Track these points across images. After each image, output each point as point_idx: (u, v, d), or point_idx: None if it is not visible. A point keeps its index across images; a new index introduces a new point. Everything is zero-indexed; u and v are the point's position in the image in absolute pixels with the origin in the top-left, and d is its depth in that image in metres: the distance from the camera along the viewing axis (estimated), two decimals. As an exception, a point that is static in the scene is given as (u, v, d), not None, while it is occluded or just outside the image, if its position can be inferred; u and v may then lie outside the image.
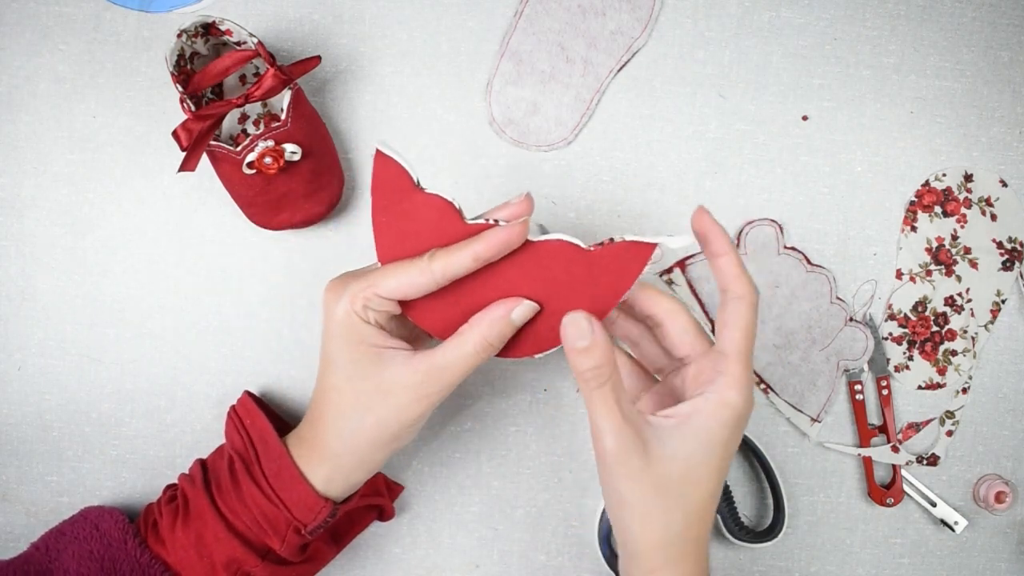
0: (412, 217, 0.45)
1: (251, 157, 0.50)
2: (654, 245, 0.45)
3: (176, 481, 0.53)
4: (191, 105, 0.50)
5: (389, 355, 0.46)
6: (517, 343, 0.48)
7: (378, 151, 0.44)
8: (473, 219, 0.45)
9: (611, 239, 0.45)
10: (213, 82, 0.51)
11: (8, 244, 0.56)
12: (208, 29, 0.51)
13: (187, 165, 0.50)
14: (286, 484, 0.48)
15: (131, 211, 0.57)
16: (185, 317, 0.57)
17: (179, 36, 0.50)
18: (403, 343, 0.47)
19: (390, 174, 0.44)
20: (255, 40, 0.50)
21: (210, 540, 0.48)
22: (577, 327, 0.42)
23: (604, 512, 0.56)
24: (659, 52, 0.58)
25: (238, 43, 0.52)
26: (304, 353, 0.57)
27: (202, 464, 0.52)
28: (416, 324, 0.48)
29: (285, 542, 0.48)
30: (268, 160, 0.51)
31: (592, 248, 0.45)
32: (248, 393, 0.53)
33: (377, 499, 0.54)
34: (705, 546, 0.44)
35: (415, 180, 0.44)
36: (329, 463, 0.47)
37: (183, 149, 0.49)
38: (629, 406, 0.42)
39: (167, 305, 0.57)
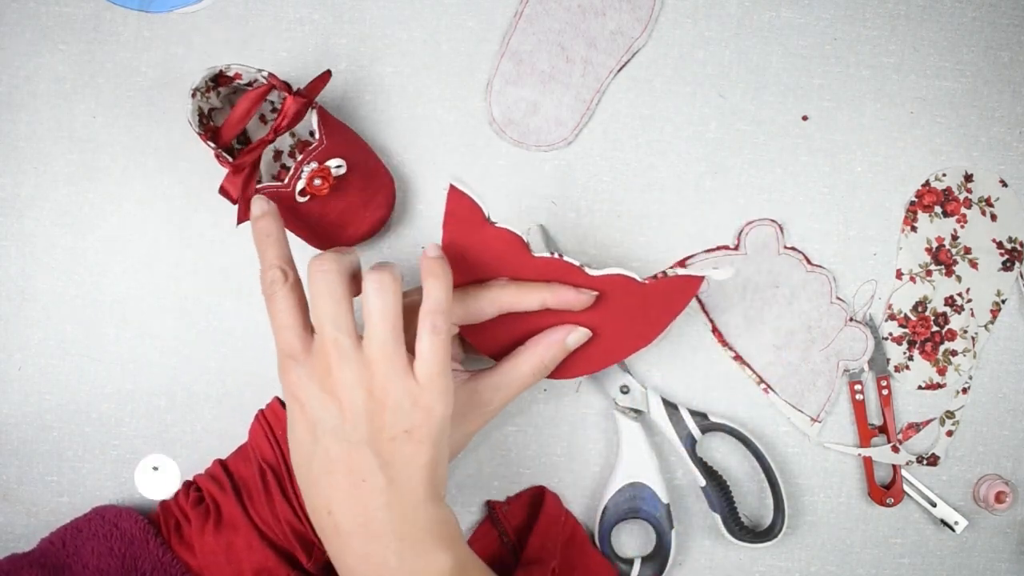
0: (481, 249, 0.47)
1: (301, 184, 0.50)
2: (702, 278, 0.48)
3: (192, 479, 0.52)
4: (228, 157, 0.50)
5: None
6: (566, 365, 0.51)
7: (452, 186, 0.46)
8: (539, 253, 0.47)
9: (664, 272, 0.48)
10: (237, 130, 0.50)
11: (8, 244, 0.56)
12: (217, 81, 0.51)
13: (244, 215, 0.49)
14: None
15: (131, 211, 0.57)
16: (185, 317, 0.57)
17: (193, 96, 0.50)
18: (458, 364, 0.50)
19: (463, 208, 0.46)
20: (265, 74, 0.50)
21: (241, 548, 0.48)
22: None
23: (604, 511, 0.56)
24: (659, 52, 0.58)
25: (249, 84, 0.51)
26: (304, 353, 0.57)
27: (223, 466, 0.52)
28: (472, 344, 0.51)
29: (312, 559, 0.48)
30: (318, 182, 0.50)
31: (647, 281, 0.48)
32: (279, 399, 0.53)
33: None
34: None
35: (486, 214, 0.47)
36: None
37: (234, 201, 0.49)
38: None
39: (167, 305, 0.57)
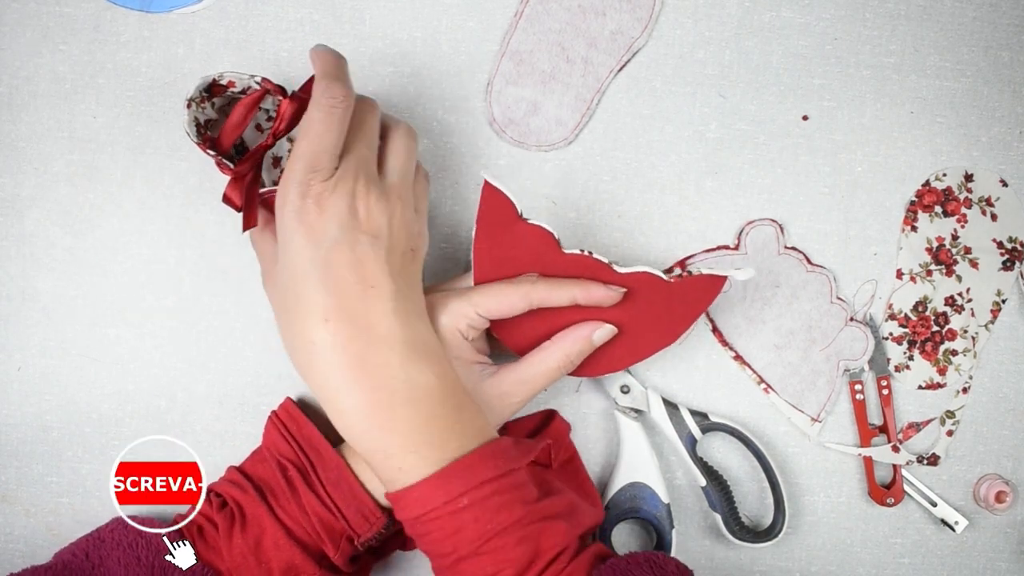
0: (513, 244, 0.49)
1: None
2: (725, 278, 0.50)
3: (209, 487, 0.52)
4: (229, 164, 0.50)
5: (478, 369, 0.49)
6: (590, 362, 0.51)
7: (486, 182, 0.48)
8: (569, 250, 0.49)
9: (688, 272, 0.50)
10: (233, 139, 0.50)
11: (8, 244, 0.56)
12: (212, 91, 0.51)
13: (249, 222, 0.49)
14: (345, 494, 0.48)
15: (131, 211, 0.57)
16: (185, 317, 0.57)
17: (188, 106, 0.50)
18: (485, 357, 0.51)
19: (496, 204, 0.48)
20: (258, 79, 0.50)
21: (269, 546, 0.48)
22: None
23: (605, 511, 0.56)
24: (659, 52, 0.58)
25: (243, 91, 0.51)
26: (304, 353, 0.57)
27: (240, 471, 0.52)
28: (500, 339, 0.52)
29: (339, 550, 0.49)
30: None
31: (672, 280, 0.49)
32: (291, 400, 0.54)
33: None
34: None
35: (519, 211, 0.48)
36: None
37: (238, 209, 0.49)
38: None
39: (167, 305, 0.57)
